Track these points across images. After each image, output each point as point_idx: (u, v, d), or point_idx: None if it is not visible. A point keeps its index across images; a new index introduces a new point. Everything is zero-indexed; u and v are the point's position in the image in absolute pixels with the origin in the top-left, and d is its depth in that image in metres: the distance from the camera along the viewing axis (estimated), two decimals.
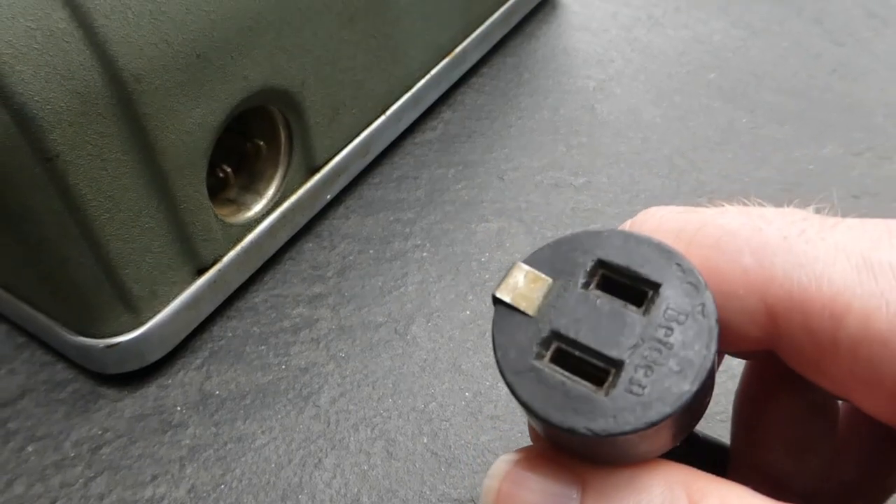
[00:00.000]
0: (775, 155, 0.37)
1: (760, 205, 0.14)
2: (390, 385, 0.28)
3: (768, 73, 0.43)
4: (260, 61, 0.27)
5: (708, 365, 0.11)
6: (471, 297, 0.31)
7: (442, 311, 0.31)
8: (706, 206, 0.14)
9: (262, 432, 0.27)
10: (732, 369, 0.25)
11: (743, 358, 0.17)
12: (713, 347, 0.11)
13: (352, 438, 0.27)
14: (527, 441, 0.15)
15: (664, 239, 0.13)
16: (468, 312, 0.31)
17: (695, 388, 0.11)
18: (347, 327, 0.30)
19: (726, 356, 0.17)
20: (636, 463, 0.12)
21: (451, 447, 0.26)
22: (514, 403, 0.26)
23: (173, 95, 0.24)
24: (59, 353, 0.30)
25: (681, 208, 0.14)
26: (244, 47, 0.26)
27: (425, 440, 0.27)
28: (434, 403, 0.28)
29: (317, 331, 0.30)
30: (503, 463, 0.13)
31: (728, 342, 0.13)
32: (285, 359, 0.29)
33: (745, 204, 0.14)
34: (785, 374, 0.14)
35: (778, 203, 0.14)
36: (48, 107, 0.21)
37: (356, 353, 0.29)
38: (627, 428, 0.11)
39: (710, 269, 0.13)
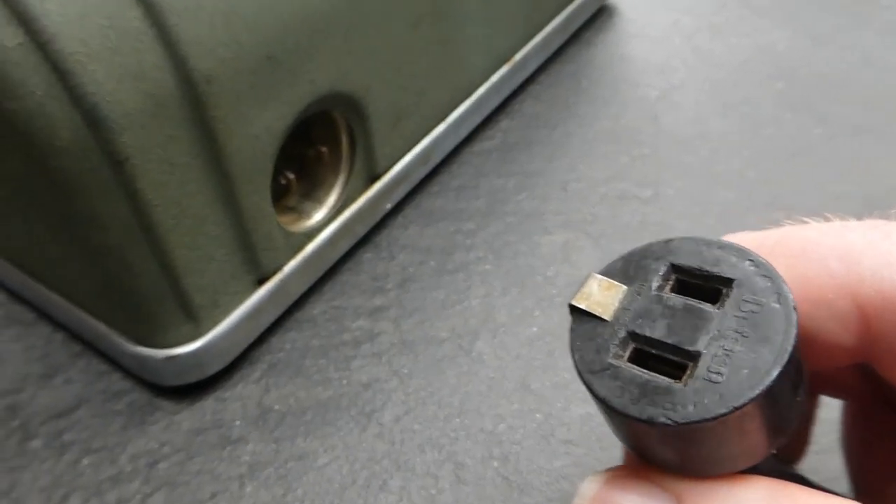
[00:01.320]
0: (853, 168, 0.35)
1: (843, 219, 0.14)
2: (456, 404, 0.27)
3: (839, 85, 0.41)
4: (328, 65, 0.26)
5: (789, 348, 0.11)
6: (537, 313, 0.30)
7: (508, 326, 0.30)
8: (784, 224, 0.14)
9: (324, 451, 0.26)
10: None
11: (837, 380, 0.16)
12: (793, 332, 0.11)
13: (418, 460, 0.25)
14: (602, 468, 0.13)
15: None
16: (535, 329, 0.29)
17: (776, 370, 0.11)
18: (410, 342, 0.29)
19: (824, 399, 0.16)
20: (733, 473, 0.12)
21: (522, 472, 0.25)
22: (589, 427, 0.24)
23: (243, 98, 0.23)
24: (116, 363, 0.29)
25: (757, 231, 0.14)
26: (313, 50, 0.25)
27: (496, 464, 0.25)
28: (503, 425, 0.26)
29: (378, 345, 0.29)
30: (592, 483, 0.13)
31: (822, 355, 0.13)
32: (346, 373, 0.28)
33: (827, 219, 0.13)
34: (886, 405, 0.13)
35: (860, 218, 0.13)
36: (120, 108, 0.20)
37: (420, 370, 0.28)
38: (708, 415, 0.11)
39: (796, 276, 0.12)
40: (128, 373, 0.29)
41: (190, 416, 0.27)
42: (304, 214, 0.30)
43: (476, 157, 0.38)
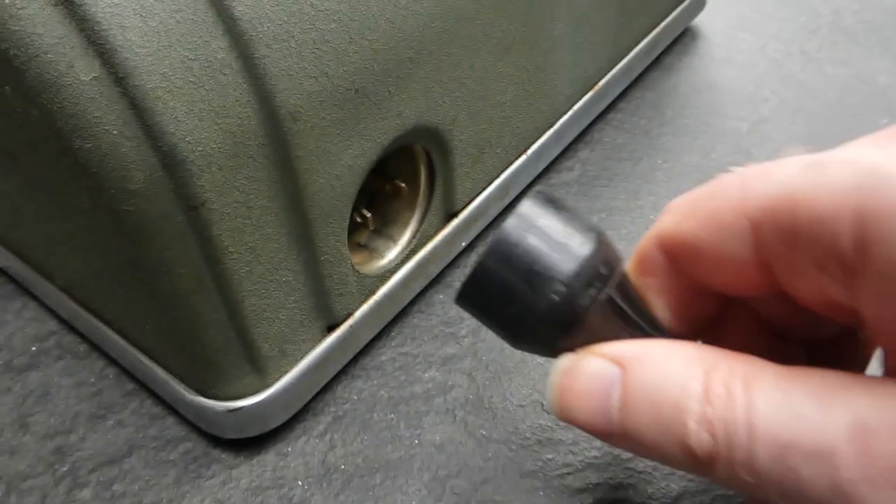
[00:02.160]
0: None
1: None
2: (541, 476, 0.24)
3: None
4: (416, 96, 0.24)
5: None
6: None
7: None
8: None
9: None
10: None
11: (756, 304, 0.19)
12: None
13: None
14: None
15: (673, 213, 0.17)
16: None
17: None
18: (487, 399, 0.27)
19: None
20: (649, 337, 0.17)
21: None
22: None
23: (328, 135, 0.21)
24: (171, 406, 0.27)
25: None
26: (402, 81, 0.23)
27: None
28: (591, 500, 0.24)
29: (452, 400, 0.27)
30: (564, 360, 0.17)
31: (735, 274, 0.16)
32: (418, 431, 0.26)
33: None
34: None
35: None
36: (199, 149, 0.18)
37: (499, 435, 0.26)
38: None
39: (710, 213, 0.16)
40: (183, 417, 0.27)
41: (249, 472, 0.25)
42: (375, 253, 0.28)
43: (555, 189, 0.35)
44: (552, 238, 0.16)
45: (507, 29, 0.27)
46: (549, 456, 0.25)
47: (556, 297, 0.16)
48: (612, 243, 0.18)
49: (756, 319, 0.20)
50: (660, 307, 0.19)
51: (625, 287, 0.18)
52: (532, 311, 0.16)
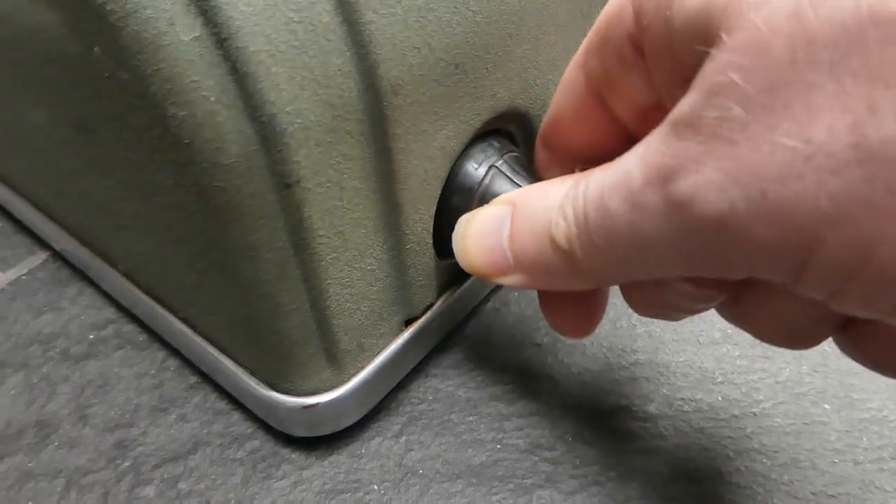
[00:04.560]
0: None
1: None
2: (637, 486, 0.23)
3: None
4: (511, 76, 0.22)
5: None
6: (718, 374, 0.25)
7: (688, 389, 0.25)
8: None
9: None
10: None
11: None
12: None
13: None
14: None
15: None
16: (720, 398, 0.25)
17: None
18: (575, 398, 0.25)
19: None
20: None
21: None
22: None
23: (425, 113, 0.20)
24: (236, 401, 0.25)
25: None
26: (500, 58, 0.21)
27: None
28: None
29: (537, 401, 0.25)
30: (464, 216, 0.20)
31: (586, 130, 0.19)
32: (500, 435, 0.24)
33: None
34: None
35: None
36: (299, 121, 0.17)
37: (591, 436, 0.24)
38: None
39: (559, 87, 0.19)
40: (248, 412, 0.25)
41: (321, 474, 0.23)
42: None
43: None
44: None
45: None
46: (641, 463, 0.23)
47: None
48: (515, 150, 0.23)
49: None
50: None
51: (515, 160, 0.23)
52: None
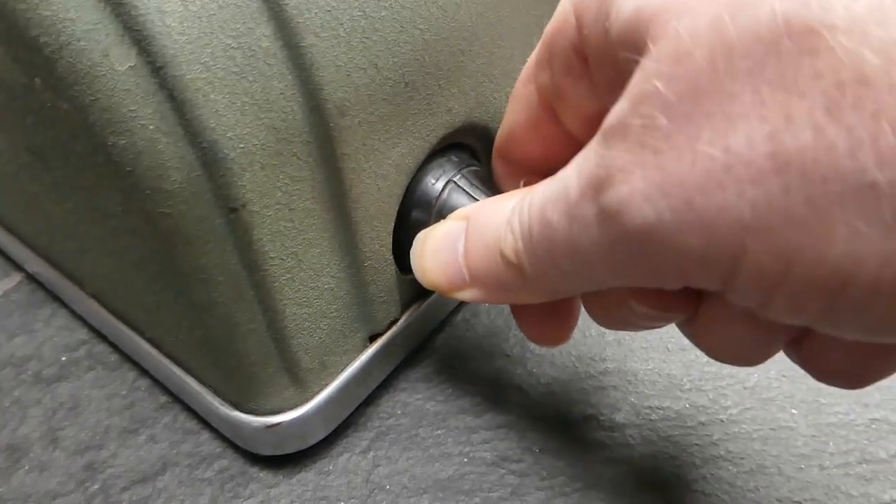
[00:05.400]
0: None
1: None
2: (604, 498, 0.23)
3: None
4: (467, 91, 0.22)
5: None
6: (687, 384, 0.25)
7: (654, 397, 0.25)
8: None
9: None
10: None
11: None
12: None
13: None
14: None
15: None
16: (686, 405, 0.25)
17: None
18: (543, 409, 0.25)
19: None
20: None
21: None
22: None
23: (375, 132, 0.20)
24: (205, 420, 0.25)
25: None
26: (453, 74, 0.21)
27: None
28: None
29: (505, 412, 0.25)
30: (421, 233, 0.20)
31: (538, 143, 0.19)
32: (468, 448, 0.24)
33: None
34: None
35: None
36: (241, 145, 0.17)
37: (558, 448, 0.24)
38: None
39: (510, 101, 0.20)
40: (217, 431, 0.25)
41: (289, 492, 0.23)
42: None
43: None
44: None
45: None
46: (608, 473, 0.23)
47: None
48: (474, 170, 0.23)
49: None
50: None
51: (473, 174, 0.23)
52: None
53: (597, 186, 0.14)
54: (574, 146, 0.18)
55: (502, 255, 0.17)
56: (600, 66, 0.15)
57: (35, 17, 0.15)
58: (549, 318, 0.21)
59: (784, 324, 0.15)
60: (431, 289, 0.20)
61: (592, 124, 0.17)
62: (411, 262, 0.21)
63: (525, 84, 0.19)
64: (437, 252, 0.19)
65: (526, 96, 0.19)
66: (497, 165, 0.22)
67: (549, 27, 0.17)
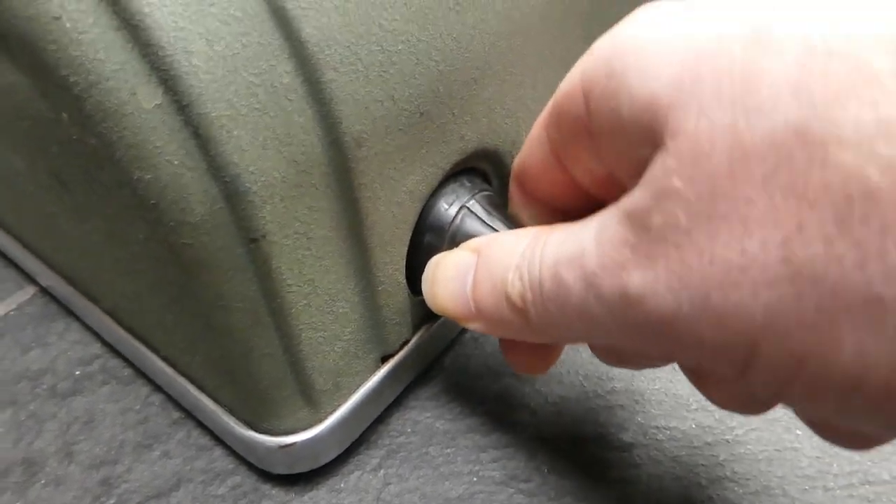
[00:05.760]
0: None
1: None
2: None
3: None
4: (479, 118, 0.23)
5: None
6: (693, 404, 0.26)
7: (662, 417, 0.26)
8: None
9: None
10: None
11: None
12: None
13: None
14: None
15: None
16: (693, 425, 0.25)
17: None
18: (551, 428, 0.25)
19: None
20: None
21: None
22: None
23: (391, 161, 0.20)
24: (218, 437, 0.26)
25: None
26: (466, 102, 0.22)
27: None
28: None
29: (514, 431, 0.25)
30: (434, 258, 0.21)
31: (549, 182, 0.19)
32: (477, 467, 0.25)
33: None
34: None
35: None
36: (262, 179, 0.17)
37: (567, 467, 0.24)
38: None
39: (529, 138, 0.19)
40: (230, 448, 0.26)
41: None
42: None
43: None
44: None
45: (571, 45, 0.26)
46: (615, 493, 0.24)
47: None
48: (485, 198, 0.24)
49: None
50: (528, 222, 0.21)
51: (486, 199, 0.23)
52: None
53: (620, 265, 0.14)
54: (582, 195, 0.19)
55: (508, 298, 0.17)
56: (607, 139, 0.15)
57: (65, 58, 0.15)
58: (535, 352, 0.21)
59: None
60: (440, 314, 0.20)
61: (600, 183, 0.17)
62: (422, 287, 0.21)
63: (539, 129, 0.19)
64: (448, 281, 0.20)
65: (539, 140, 0.19)
66: (513, 189, 0.22)
67: (559, 93, 0.17)
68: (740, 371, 0.13)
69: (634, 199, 0.14)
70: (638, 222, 0.14)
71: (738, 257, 0.12)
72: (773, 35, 0.12)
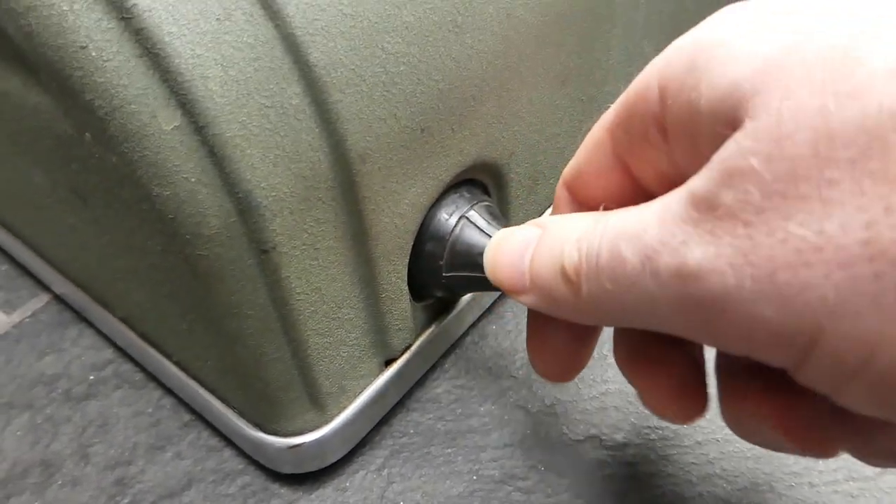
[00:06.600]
0: None
1: None
2: None
3: None
4: (477, 132, 0.24)
5: None
6: None
7: (653, 417, 0.27)
8: None
9: None
10: None
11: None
12: None
13: None
14: None
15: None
16: (685, 426, 0.26)
17: None
18: (548, 429, 0.26)
19: None
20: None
21: None
22: None
23: (394, 175, 0.21)
24: (228, 438, 0.27)
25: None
26: (465, 118, 0.23)
27: None
28: None
29: (510, 434, 0.27)
30: (501, 231, 0.21)
31: (607, 186, 0.19)
32: (477, 466, 0.26)
33: None
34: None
35: None
36: (273, 194, 0.18)
37: (563, 466, 0.25)
38: None
39: (586, 143, 0.19)
40: (240, 449, 0.27)
41: None
42: None
43: None
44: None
45: (566, 62, 0.27)
46: (609, 490, 0.25)
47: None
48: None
49: None
50: None
51: (485, 209, 0.24)
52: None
53: (681, 242, 0.14)
54: (641, 196, 0.19)
55: (563, 270, 0.17)
56: (682, 136, 0.15)
57: (91, 83, 0.16)
58: (562, 358, 0.22)
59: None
60: (496, 284, 0.20)
61: (666, 181, 0.17)
62: (485, 257, 0.21)
63: (601, 131, 0.19)
64: (510, 253, 0.20)
65: (600, 143, 0.19)
66: (561, 193, 0.22)
67: (630, 92, 0.17)
68: (798, 361, 0.13)
69: (702, 178, 0.14)
70: (704, 202, 0.13)
71: (814, 237, 0.12)
72: (871, 25, 0.12)
